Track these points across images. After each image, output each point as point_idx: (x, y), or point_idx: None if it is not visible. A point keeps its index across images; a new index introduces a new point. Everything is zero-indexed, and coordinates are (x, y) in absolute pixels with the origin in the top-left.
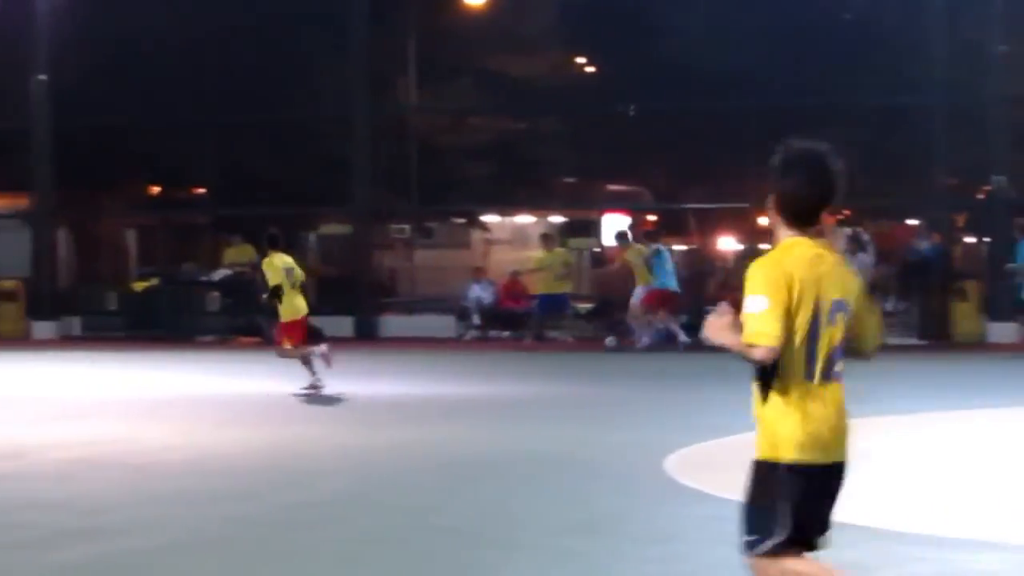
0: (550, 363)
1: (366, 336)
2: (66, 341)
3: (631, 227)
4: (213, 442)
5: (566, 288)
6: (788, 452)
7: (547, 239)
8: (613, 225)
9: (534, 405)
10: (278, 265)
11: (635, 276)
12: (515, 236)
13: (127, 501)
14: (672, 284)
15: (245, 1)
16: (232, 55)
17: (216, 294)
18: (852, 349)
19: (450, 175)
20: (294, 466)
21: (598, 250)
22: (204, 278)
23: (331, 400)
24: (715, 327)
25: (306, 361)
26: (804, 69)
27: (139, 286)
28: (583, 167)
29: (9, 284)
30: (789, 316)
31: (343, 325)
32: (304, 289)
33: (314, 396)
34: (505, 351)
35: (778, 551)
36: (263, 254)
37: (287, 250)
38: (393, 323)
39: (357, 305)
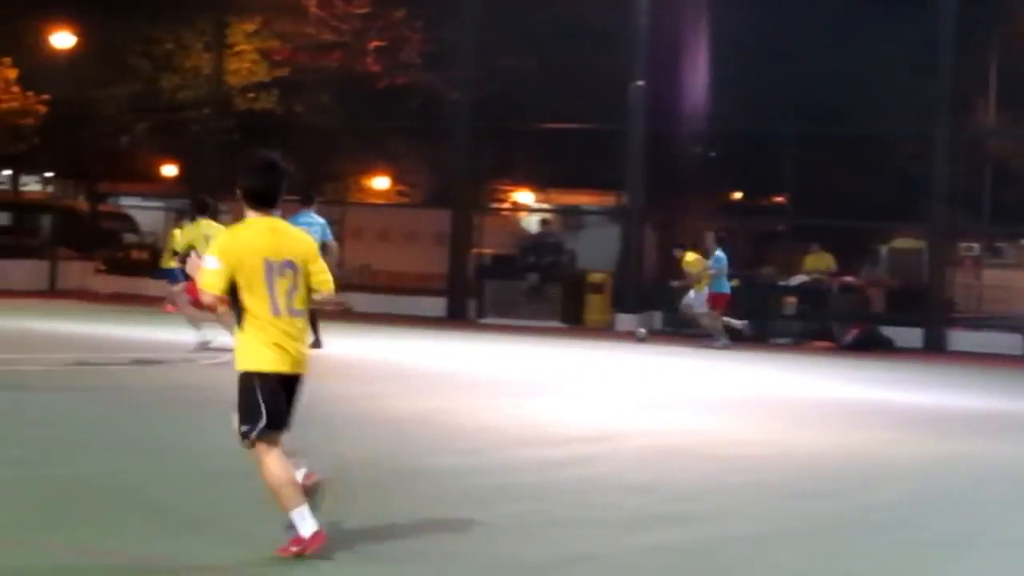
0: None
1: (934, 349)
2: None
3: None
4: (788, 440)
5: None
6: (258, 364)
7: None
8: None
9: None
10: (196, 232)
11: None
12: None
13: (706, 490)
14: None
15: (833, 17)
16: (817, 68)
17: (792, 299)
18: (314, 290)
19: (1022, 197)
20: (866, 468)
21: None
22: (782, 283)
23: (899, 409)
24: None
25: (196, 321)
26: None
27: None
28: None
29: (598, 277)
30: (231, 272)
31: (912, 337)
32: None
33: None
34: None
35: (263, 436)
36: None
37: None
38: (961, 338)
39: (927, 318)
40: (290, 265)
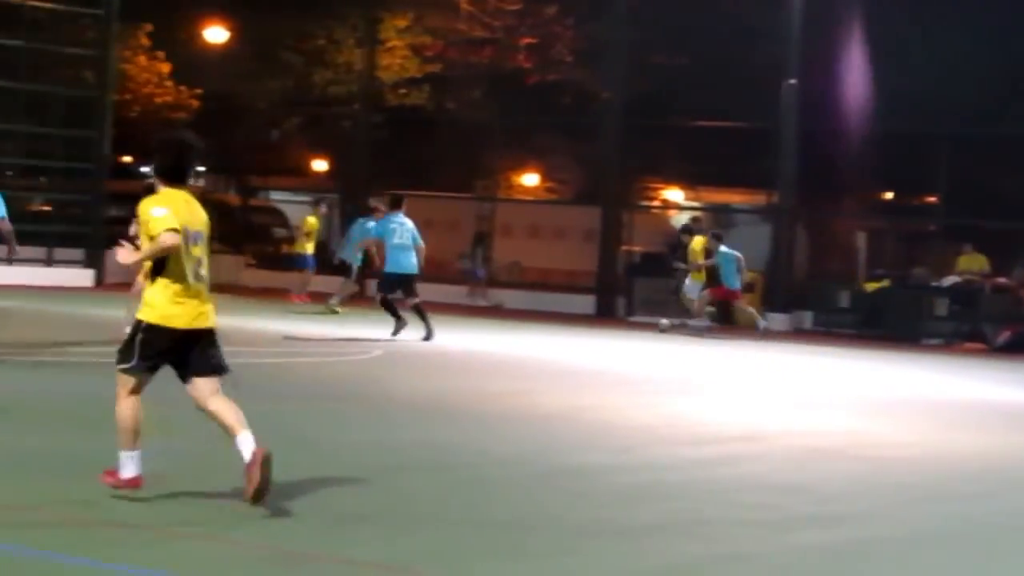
0: None
1: None
2: (798, 334)
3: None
4: (938, 442)
5: None
6: (155, 318)
7: None
8: None
9: None
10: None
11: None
12: None
13: (857, 491)
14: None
15: (988, 16)
16: (971, 67)
17: (945, 300)
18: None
19: None
20: (1018, 472)
21: None
22: (934, 283)
23: None
24: (125, 255)
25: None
26: None
27: (870, 287)
28: None
29: (748, 276)
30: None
31: None
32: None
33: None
34: None
35: (128, 372)
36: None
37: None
38: None
39: None
40: (200, 236)
